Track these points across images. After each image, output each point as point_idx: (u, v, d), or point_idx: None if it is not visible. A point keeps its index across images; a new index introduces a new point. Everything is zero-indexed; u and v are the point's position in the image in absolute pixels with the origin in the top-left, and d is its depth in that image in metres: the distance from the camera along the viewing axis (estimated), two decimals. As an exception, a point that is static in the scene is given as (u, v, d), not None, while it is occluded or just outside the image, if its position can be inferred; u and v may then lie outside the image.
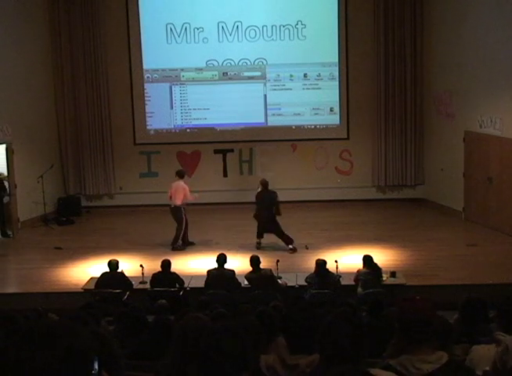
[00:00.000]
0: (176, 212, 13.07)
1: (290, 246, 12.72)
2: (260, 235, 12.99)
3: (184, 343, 3.78)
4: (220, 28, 16.23)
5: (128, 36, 16.33)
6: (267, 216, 12.84)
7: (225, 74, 16.46)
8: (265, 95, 16.53)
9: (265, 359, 3.53)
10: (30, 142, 15.29)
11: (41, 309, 7.72)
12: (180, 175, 13.39)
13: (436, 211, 15.52)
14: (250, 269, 10.51)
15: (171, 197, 13.12)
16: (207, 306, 8.10)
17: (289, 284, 10.45)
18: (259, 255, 10.54)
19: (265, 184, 13.13)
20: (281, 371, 3.44)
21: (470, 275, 11.25)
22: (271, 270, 10.35)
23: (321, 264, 9.92)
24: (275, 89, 16.49)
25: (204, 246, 13.07)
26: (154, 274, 10.37)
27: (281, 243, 12.83)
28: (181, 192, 13.04)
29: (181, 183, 13.15)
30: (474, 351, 4.52)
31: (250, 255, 10.52)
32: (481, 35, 13.64)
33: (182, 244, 13.09)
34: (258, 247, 12.86)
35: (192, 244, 13.27)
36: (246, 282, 10.46)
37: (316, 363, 3.47)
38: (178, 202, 13.01)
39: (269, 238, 12.98)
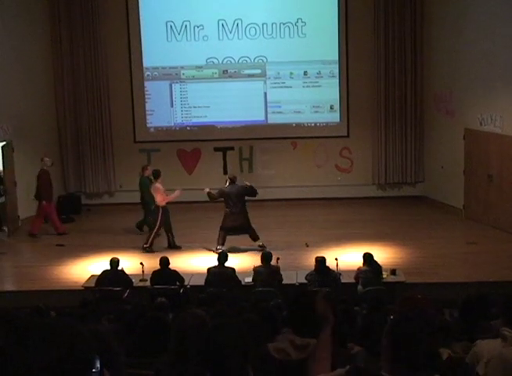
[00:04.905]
0: (154, 213, 12.97)
1: (259, 243, 12.56)
2: (223, 240, 12.54)
3: (182, 340, 3.77)
4: (220, 26, 16.22)
5: (128, 34, 16.33)
6: (239, 211, 12.60)
7: (225, 71, 16.45)
8: (265, 93, 16.52)
9: (273, 345, 3.58)
10: (29, 140, 15.28)
11: (43, 307, 7.72)
12: (155, 176, 13.18)
13: (436, 208, 15.51)
14: (251, 267, 10.55)
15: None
16: (208, 304, 8.10)
17: (289, 282, 10.46)
18: (258, 254, 10.58)
19: (233, 178, 12.93)
20: (292, 353, 3.49)
21: (470, 273, 11.25)
22: (279, 267, 10.41)
23: (321, 261, 9.92)
24: (275, 87, 16.48)
25: (204, 244, 13.01)
26: (154, 272, 10.37)
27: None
28: (156, 193, 12.92)
29: (156, 184, 12.97)
30: (478, 345, 4.53)
31: (261, 252, 10.68)
32: (482, 32, 13.62)
33: (150, 247, 12.74)
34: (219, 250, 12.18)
35: (178, 247, 12.89)
36: (246, 280, 10.48)
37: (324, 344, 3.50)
38: (157, 202, 12.90)
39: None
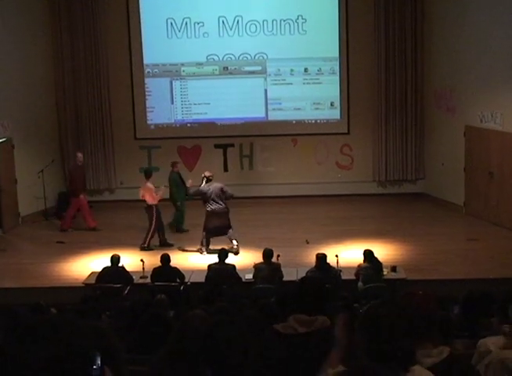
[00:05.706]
0: (147, 212, 12.96)
1: (235, 244, 12.36)
2: (208, 242, 12.42)
3: (182, 339, 3.77)
4: (220, 23, 16.20)
5: (129, 31, 16.31)
6: (222, 210, 12.42)
7: (225, 68, 16.43)
8: (266, 90, 16.51)
9: (280, 325, 3.64)
10: (30, 137, 15.28)
11: (44, 304, 7.72)
12: (146, 175, 13.25)
13: (437, 205, 15.51)
14: (251, 264, 10.55)
15: (143, 197, 13.01)
16: (208, 301, 8.11)
17: (290, 279, 10.46)
18: (258, 252, 10.57)
19: (209, 177, 12.70)
20: (298, 328, 3.54)
21: (470, 269, 11.26)
22: (280, 264, 10.41)
23: (321, 258, 9.93)
24: (275, 84, 16.46)
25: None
26: (155, 269, 10.37)
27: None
28: (146, 193, 12.92)
29: (147, 184, 12.99)
30: (482, 345, 4.52)
31: (263, 249, 10.56)
32: (482, 30, 13.61)
33: (148, 246, 12.73)
34: (205, 253, 12.30)
35: (170, 245, 12.86)
36: (246, 277, 10.49)
37: (329, 323, 3.52)
38: (149, 202, 12.89)
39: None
